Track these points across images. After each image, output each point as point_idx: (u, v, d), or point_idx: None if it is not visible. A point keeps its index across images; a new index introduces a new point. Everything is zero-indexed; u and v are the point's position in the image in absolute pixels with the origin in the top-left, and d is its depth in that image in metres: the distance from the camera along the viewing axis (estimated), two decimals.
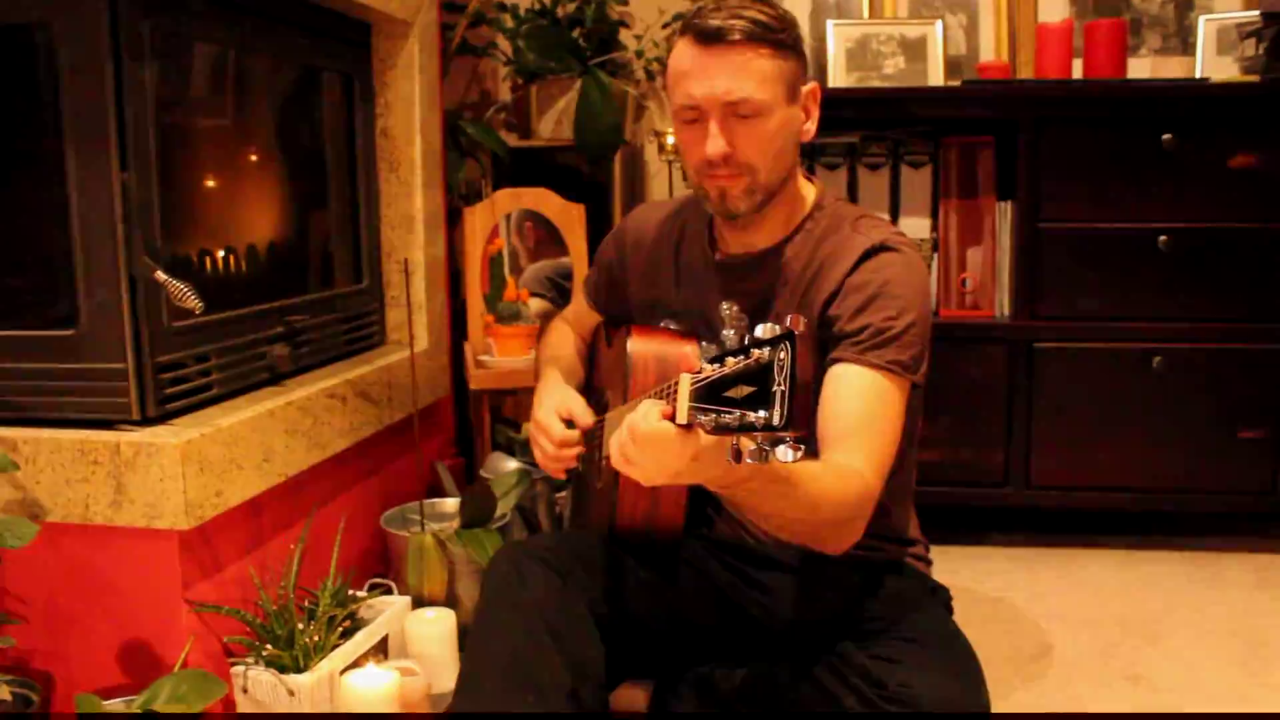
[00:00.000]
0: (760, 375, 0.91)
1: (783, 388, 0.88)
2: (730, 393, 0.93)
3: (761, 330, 0.93)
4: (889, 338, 1.42)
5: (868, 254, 1.48)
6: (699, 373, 0.96)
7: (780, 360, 0.89)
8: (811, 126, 1.52)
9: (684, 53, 1.44)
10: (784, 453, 0.90)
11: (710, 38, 1.40)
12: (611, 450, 1.13)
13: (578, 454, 1.63)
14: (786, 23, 1.44)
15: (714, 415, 0.94)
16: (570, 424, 1.62)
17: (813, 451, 1.37)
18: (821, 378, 1.43)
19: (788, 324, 0.91)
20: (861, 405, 1.39)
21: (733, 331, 0.97)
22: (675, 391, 1.00)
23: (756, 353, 0.91)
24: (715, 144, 1.43)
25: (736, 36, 1.39)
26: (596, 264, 1.84)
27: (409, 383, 2.21)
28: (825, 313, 1.48)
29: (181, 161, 1.78)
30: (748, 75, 1.40)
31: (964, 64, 2.85)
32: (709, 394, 0.95)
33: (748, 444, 0.93)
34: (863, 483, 1.32)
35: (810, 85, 1.51)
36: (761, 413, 0.90)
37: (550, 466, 1.65)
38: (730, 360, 0.94)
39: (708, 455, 1.06)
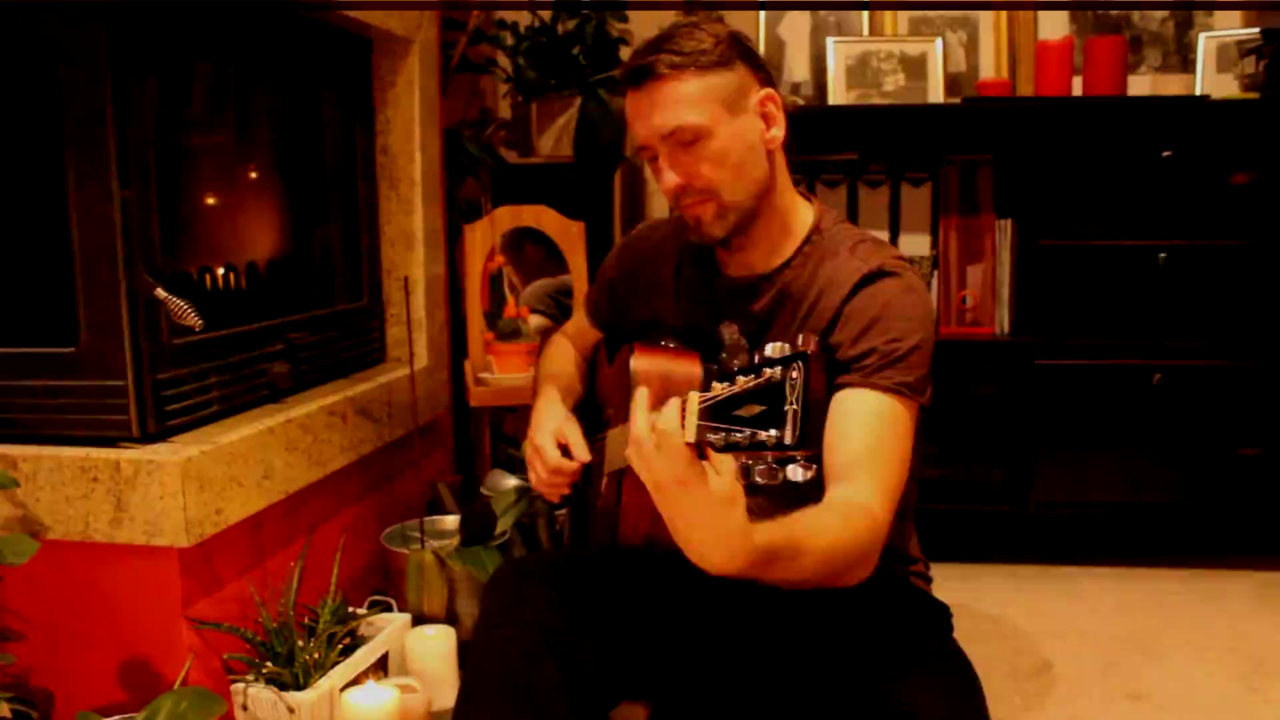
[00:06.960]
0: (771, 394, 0.90)
1: (795, 407, 0.88)
2: (740, 411, 0.92)
3: (772, 349, 0.92)
4: (893, 360, 1.40)
5: (865, 280, 1.47)
6: (709, 390, 0.95)
7: (792, 379, 0.88)
8: (778, 133, 1.49)
9: (627, 99, 1.48)
10: (795, 472, 0.89)
11: (638, 78, 1.44)
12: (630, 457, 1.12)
13: (571, 483, 1.63)
14: (714, 39, 1.44)
15: (723, 434, 0.93)
16: (567, 452, 1.61)
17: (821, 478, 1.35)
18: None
19: (799, 344, 0.91)
20: (869, 430, 1.37)
21: (732, 353, 0.97)
22: (684, 409, 1.00)
23: (768, 371, 0.90)
24: (667, 178, 1.45)
25: (659, 70, 1.42)
26: (598, 281, 1.84)
27: (409, 400, 2.20)
28: (825, 340, 1.46)
29: (182, 179, 1.78)
30: (675, 104, 1.42)
31: (964, 81, 2.86)
32: (718, 412, 0.94)
33: (758, 463, 0.92)
34: (871, 520, 1.28)
35: (763, 92, 1.48)
36: (773, 431, 0.89)
37: (545, 491, 1.65)
38: (741, 379, 0.93)
39: (707, 505, 1.00)
